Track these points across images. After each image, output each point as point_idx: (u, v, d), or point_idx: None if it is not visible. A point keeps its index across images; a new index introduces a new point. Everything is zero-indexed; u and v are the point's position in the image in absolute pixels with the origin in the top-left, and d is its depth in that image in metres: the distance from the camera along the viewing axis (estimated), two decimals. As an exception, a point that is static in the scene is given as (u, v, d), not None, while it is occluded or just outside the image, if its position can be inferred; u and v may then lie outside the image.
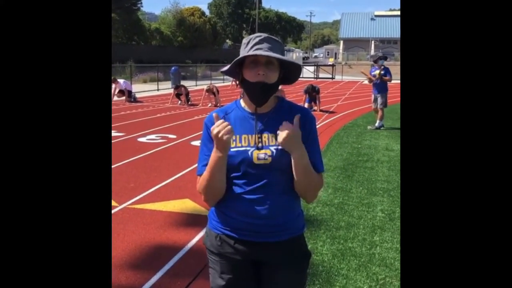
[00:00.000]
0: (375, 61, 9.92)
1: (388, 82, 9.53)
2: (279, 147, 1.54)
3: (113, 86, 14.32)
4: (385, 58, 9.91)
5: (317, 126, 8.17)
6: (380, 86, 9.52)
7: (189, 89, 14.85)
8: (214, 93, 13.52)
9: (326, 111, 12.56)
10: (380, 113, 9.54)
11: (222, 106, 12.46)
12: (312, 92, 12.64)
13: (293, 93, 17.90)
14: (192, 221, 4.03)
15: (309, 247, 3.43)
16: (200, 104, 13.75)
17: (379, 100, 9.50)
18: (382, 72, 9.46)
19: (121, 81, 15.07)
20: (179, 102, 14.25)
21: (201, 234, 3.70)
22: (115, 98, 14.40)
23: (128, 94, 14.67)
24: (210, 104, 13.64)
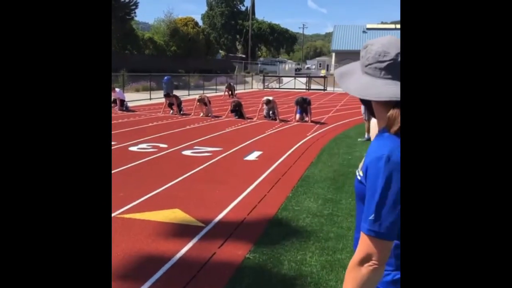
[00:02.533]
0: None
1: None
2: None
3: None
4: None
5: (309, 137, 8.15)
6: None
7: (181, 99, 14.88)
8: (205, 103, 13.55)
9: (318, 122, 12.63)
10: (366, 124, 9.64)
11: (214, 116, 12.31)
12: (303, 104, 12.72)
13: (285, 104, 17.99)
14: (182, 231, 4.02)
15: (298, 258, 3.45)
16: (192, 114, 13.76)
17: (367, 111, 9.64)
18: None
19: (117, 89, 15.07)
20: (171, 111, 14.25)
21: (191, 244, 3.70)
22: None
23: (120, 103, 14.65)
24: (202, 114, 13.66)
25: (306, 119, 12.77)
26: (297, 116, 12.87)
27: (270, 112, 13.16)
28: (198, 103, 13.61)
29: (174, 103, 14.13)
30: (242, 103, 14.10)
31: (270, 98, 13.23)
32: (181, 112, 14.07)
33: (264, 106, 13.21)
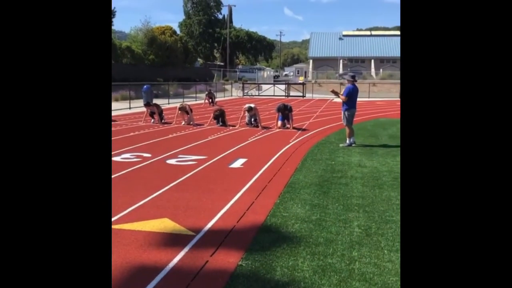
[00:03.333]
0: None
1: (352, 100, 9.77)
2: None
3: None
4: (352, 77, 10.15)
5: (291, 143, 8.32)
6: (343, 104, 9.86)
7: (162, 107, 14.81)
8: (187, 112, 13.52)
9: (299, 129, 12.75)
10: (347, 130, 9.80)
11: (196, 124, 12.28)
12: (285, 110, 12.83)
13: (266, 111, 18.09)
14: (172, 240, 4.01)
15: (289, 263, 3.49)
16: (174, 123, 13.71)
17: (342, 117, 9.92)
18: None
19: None
20: (152, 120, 14.17)
21: (182, 254, 3.70)
22: None
23: None
24: (183, 122, 13.62)
25: (288, 125, 12.88)
26: (279, 122, 12.97)
27: (252, 119, 13.23)
28: (179, 112, 13.57)
29: (155, 111, 14.05)
30: (225, 110, 14.14)
31: (252, 105, 13.31)
32: (163, 121, 14.00)
33: (246, 114, 13.27)
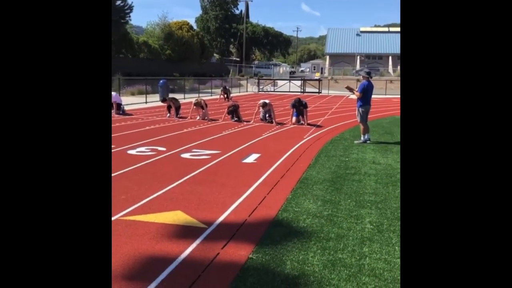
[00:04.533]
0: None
1: (367, 97, 9.69)
2: None
3: None
4: (367, 74, 10.08)
5: (305, 139, 8.31)
6: (358, 100, 9.78)
7: (179, 102, 14.93)
8: (202, 107, 13.60)
9: (314, 125, 12.72)
10: (361, 127, 9.74)
11: (210, 119, 12.35)
12: (299, 106, 12.80)
13: (281, 107, 18.08)
14: (185, 233, 4.07)
15: (300, 258, 3.52)
16: (189, 117, 13.81)
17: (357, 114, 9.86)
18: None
19: (113, 93, 15.05)
20: (168, 115, 14.31)
21: (194, 245, 3.75)
22: None
23: (117, 107, 14.66)
24: (198, 117, 13.71)
25: (302, 121, 12.85)
26: (294, 118, 12.95)
27: (267, 115, 13.24)
28: (194, 107, 13.66)
29: (172, 106, 14.20)
30: (239, 105, 14.18)
31: (267, 101, 13.32)
32: (178, 116, 14.11)
33: (261, 109, 13.29)
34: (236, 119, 13.34)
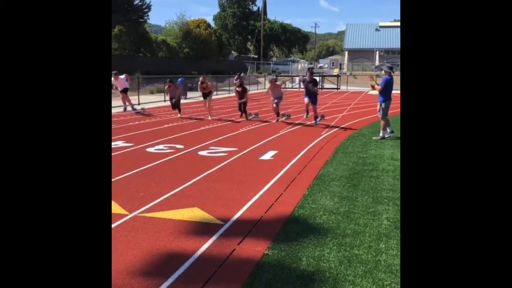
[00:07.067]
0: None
1: (388, 92, 9.57)
2: None
3: (113, 80, 14.54)
4: (389, 68, 9.97)
5: (323, 136, 8.22)
6: (379, 95, 9.65)
7: (194, 100, 14.95)
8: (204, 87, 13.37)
9: (328, 125, 12.63)
10: (381, 122, 9.63)
11: (226, 119, 12.05)
12: (308, 84, 11.76)
13: (298, 104, 18.00)
14: (201, 229, 4.11)
15: (316, 254, 3.52)
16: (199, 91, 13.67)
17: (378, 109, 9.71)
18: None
19: (121, 77, 15.00)
20: (179, 115, 14.04)
21: (210, 242, 3.79)
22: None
23: (124, 91, 14.70)
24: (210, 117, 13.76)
25: (310, 110, 12.13)
26: (305, 99, 12.23)
27: (276, 100, 12.58)
28: (201, 84, 13.49)
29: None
30: (248, 89, 13.73)
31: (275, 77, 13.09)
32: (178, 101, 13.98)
33: (270, 93, 12.60)
34: (242, 107, 12.98)
